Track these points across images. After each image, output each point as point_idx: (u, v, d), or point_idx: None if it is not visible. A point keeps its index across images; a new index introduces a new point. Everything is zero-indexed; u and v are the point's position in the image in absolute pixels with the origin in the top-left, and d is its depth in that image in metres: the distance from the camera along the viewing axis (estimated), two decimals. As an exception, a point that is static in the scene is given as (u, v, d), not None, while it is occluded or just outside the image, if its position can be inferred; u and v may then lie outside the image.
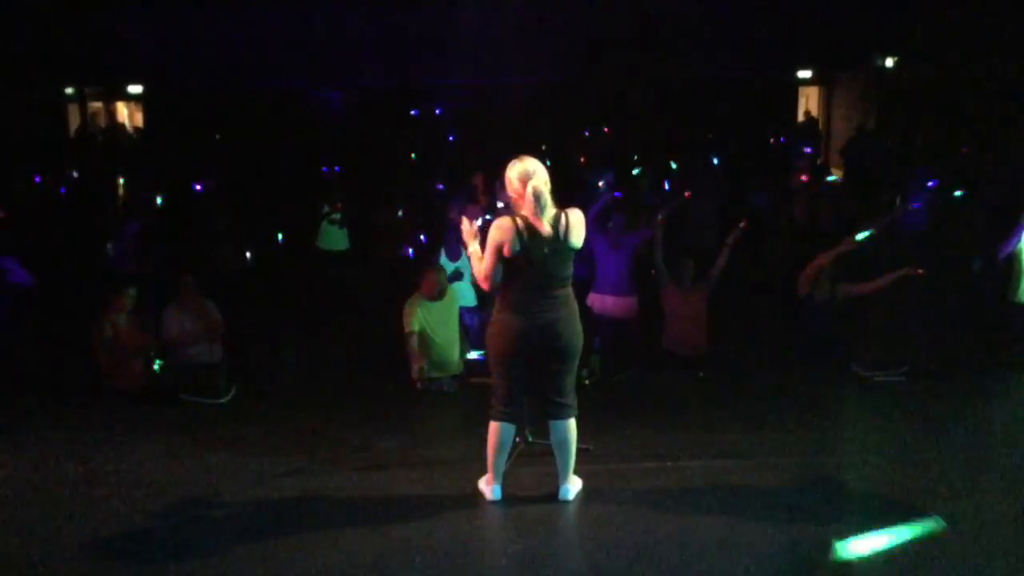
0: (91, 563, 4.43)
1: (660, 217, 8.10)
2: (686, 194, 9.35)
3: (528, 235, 4.66)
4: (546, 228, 4.67)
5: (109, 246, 9.33)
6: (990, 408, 6.73)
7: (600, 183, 10.85)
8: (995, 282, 8.22)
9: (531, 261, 4.68)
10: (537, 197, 4.64)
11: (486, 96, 18.45)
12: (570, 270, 4.82)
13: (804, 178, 12.47)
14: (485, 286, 4.83)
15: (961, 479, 5.18)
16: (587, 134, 16.58)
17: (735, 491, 5.06)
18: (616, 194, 9.53)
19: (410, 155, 14.52)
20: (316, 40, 16.98)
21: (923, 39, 16.26)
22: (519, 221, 4.68)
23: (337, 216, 10.89)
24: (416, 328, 7.22)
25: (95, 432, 6.35)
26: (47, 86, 17.33)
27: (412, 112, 17.55)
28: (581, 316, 4.93)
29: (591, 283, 8.23)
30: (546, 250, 4.69)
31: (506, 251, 4.66)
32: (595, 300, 8.15)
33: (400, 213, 10.98)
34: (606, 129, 17.16)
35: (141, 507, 5.02)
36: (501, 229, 4.69)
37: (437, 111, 18.35)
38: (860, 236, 7.93)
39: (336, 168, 13.22)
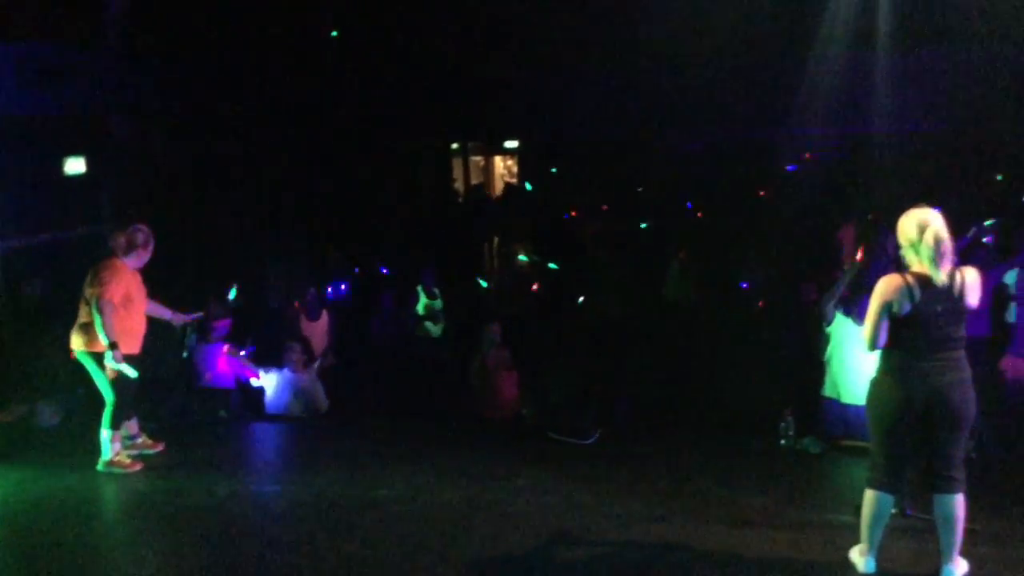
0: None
1: None
2: None
3: (920, 291, 4.42)
4: (943, 280, 4.41)
5: (485, 285, 10.03)
6: None
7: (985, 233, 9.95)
8: None
9: (922, 320, 4.43)
10: (938, 243, 4.40)
11: (855, 146, 17.69)
12: (963, 331, 4.52)
13: None
14: (868, 346, 4.62)
15: None
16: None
17: None
18: None
19: (774, 206, 14.23)
20: (665, 91, 17.24)
21: None
22: (909, 278, 4.46)
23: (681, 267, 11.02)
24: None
25: (475, 462, 6.84)
26: (437, 141, 19.08)
27: (789, 168, 17.22)
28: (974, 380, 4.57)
29: (1005, 344, 7.57)
30: (939, 308, 4.42)
31: (895, 309, 4.46)
32: (1009, 363, 7.48)
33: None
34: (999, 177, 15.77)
35: (511, 537, 5.34)
36: (889, 286, 4.49)
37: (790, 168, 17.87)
38: None
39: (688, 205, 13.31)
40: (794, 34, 15.86)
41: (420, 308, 9.88)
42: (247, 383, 8.42)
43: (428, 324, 9.87)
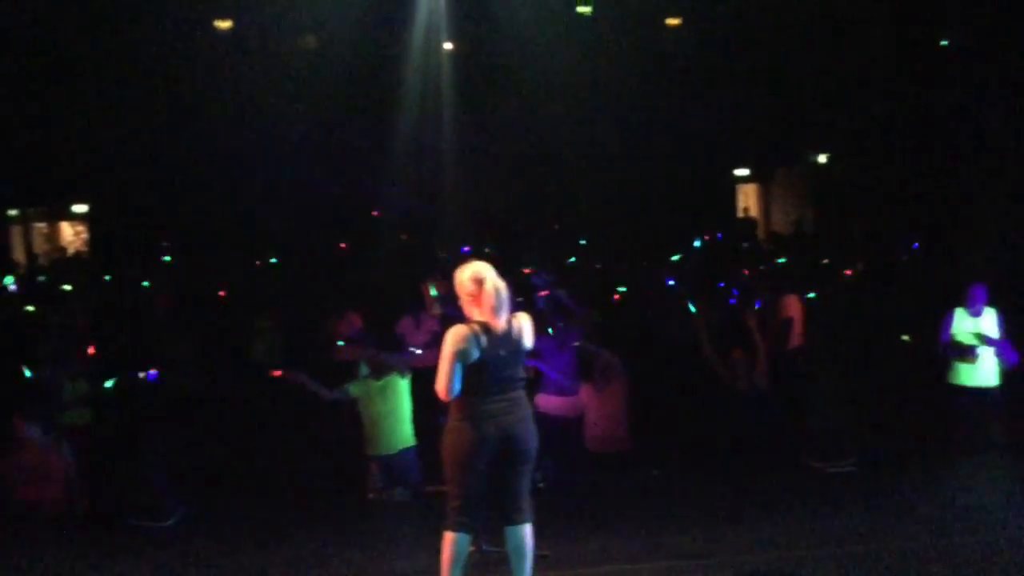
0: None
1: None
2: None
3: (486, 339, 4.69)
4: (503, 326, 4.71)
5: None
6: (941, 496, 6.74)
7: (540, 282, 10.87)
8: (933, 365, 8.27)
9: (489, 365, 4.69)
10: (497, 293, 4.70)
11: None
12: (523, 372, 4.85)
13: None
14: (444, 396, 4.74)
15: (916, 570, 5.20)
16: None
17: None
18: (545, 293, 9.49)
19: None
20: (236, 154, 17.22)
21: (852, 136, 17.06)
22: (475, 326, 4.72)
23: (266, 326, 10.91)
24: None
25: (37, 564, 6.08)
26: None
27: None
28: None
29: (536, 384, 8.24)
30: (503, 352, 4.71)
31: (465, 358, 4.66)
32: (541, 400, 8.15)
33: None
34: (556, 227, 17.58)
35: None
36: (458, 335, 4.69)
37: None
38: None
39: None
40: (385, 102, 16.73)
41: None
42: None
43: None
